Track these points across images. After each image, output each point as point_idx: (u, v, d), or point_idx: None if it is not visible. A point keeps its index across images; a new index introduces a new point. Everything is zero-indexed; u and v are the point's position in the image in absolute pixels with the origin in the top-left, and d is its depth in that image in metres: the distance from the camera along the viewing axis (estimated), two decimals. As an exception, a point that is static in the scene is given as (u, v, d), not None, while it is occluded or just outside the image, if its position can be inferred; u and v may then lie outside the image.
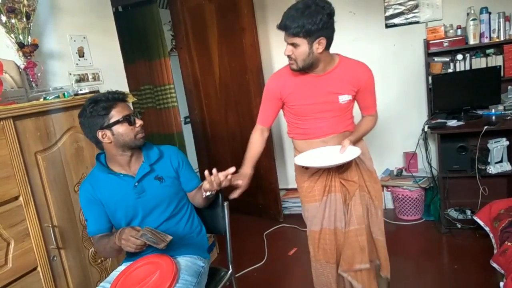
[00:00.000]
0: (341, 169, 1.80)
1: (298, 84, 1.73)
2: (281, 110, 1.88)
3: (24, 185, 1.59)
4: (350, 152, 1.67)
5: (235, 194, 1.67)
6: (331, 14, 1.56)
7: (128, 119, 1.52)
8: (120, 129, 1.50)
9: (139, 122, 1.55)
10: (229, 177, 1.54)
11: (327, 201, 1.82)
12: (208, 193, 1.60)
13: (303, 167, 1.83)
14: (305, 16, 1.51)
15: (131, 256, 1.62)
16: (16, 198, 1.58)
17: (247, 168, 1.80)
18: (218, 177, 1.52)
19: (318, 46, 1.58)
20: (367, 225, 1.83)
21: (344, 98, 1.72)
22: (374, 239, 1.88)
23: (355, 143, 1.77)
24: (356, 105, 1.85)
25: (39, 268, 1.65)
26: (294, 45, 1.59)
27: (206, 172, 1.52)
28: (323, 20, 1.52)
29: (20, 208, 1.58)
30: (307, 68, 1.66)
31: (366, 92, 1.77)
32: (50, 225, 1.71)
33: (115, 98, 1.52)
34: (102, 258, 1.99)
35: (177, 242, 1.60)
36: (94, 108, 1.48)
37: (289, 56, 1.64)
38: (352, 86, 1.72)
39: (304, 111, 1.77)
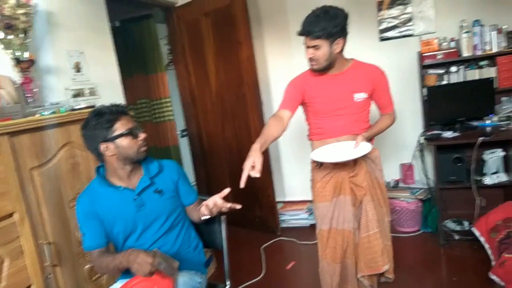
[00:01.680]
0: (352, 173, 1.90)
1: (317, 83, 1.88)
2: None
3: (19, 202, 1.58)
4: (361, 149, 1.77)
5: (243, 180, 1.47)
6: (346, 17, 1.75)
7: (132, 132, 1.52)
8: (123, 142, 1.50)
9: (142, 136, 1.55)
10: (228, 205, 1.58)
11: (336, 202, 1.93)
12: (206, 217, 1.63)
13: (317, 164, 1.96)
14: (326, 20, 1.69)
15: (128, 272, 1.60)
16: (11, 215, 1.56)
17: (257, 144, 1.60)
18: (217, 206, 1.58)
19: (337, 47, 1.76)
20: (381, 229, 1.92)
21: (359, 96, 1.85)
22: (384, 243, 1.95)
23: (369, 139, 1.89)
24: (373, 110, 1.97)
25: (33, 286, 1.62)
26: (316, 47, 1.75)
27: (205, 202, 1.59)
28: (342, 23, 1.72)
29: (14, 225, 1.57)
30: (326, 68, 1.82)
31: (381, 91, 1.91)
32: (45, 242, 1.69)
33: (119, 111, 1.52)
34: (98, 275, 1.96)
35: (175, 257, 1.58)
36: (98, 121, 1.49)
37: (310, 58, 1.80)
38: (367, 85, 1.86)
39: (322, 108, 1.90)
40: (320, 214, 1.99)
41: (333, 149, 1.85)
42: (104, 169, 1.62)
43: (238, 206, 1.59)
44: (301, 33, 1.77)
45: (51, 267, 1.71)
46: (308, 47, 1.78)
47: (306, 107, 1.98)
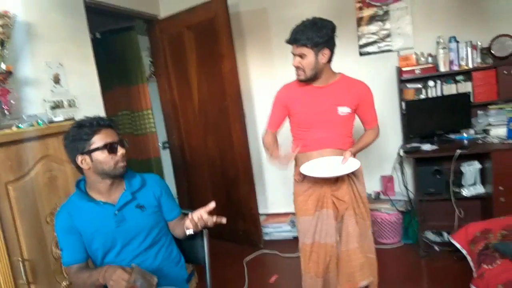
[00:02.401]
0: (334, 187, 1.91)
1: (302, 94, 1.93)
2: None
3: (-8, 217, 1.53)
4: (350, 165, 1.80)
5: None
6: (334, 29, 1.82)
7: (109, 147, 1.48)
8: (99, 156, 1.47)
9: (120, 151, 1.51)
10: (214, 219, 1.54)
11: (319, 216, 1.93)
12: (191, 231, 1.59)
13: (299, 178, 1.99)
14: (313, 30, 1.76)
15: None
16: (-16, 231, 1.51)
17: (276, 151, 1.92)
18: (203, 220, 1.53)
19: (323, 57, 1.81)
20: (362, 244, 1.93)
21: (343, 110, 1.88)
22: (368, 257, 1.96)
23: (355, 155, 1.92)
24: (357, 127, 2.01)
25: (6, 305, 1.56)
26: (302, 56, 1.81)
27: (190, 216, 1.55)
28: (328, 34, 1.78)
29: (-13, 242, 1.51)
30: (312, 79, 1.87)
31: (366, 106, 1.95)
32: (20, 259, 1.63)
33: (100, 124, 1.49)
34: (75, 292, 1.90)
35: (156, 273, 1.54)
36: (77, 132, 1.46)
37: (297, 67, 1.85)
38: (352, 100, 1.89)
39: (305, 120, 1.94)
40: (302, 228, 1.99)
41: (321, 163, 1.87)
42: (84, 183, 1.58)
43: (224, 220, 1.54)
44: (288, 41, 1.84)
45: (26, 285, 1.65)
46: (294, 55, 1.84)
47: (290, 118, 2.01)
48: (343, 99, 1.88)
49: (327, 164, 1.85)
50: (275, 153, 1.89)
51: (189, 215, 1.56)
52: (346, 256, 1.90)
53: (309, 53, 1.79)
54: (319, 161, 1.89)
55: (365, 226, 1.96)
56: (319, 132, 1.91)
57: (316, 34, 1.75)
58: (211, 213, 1.56)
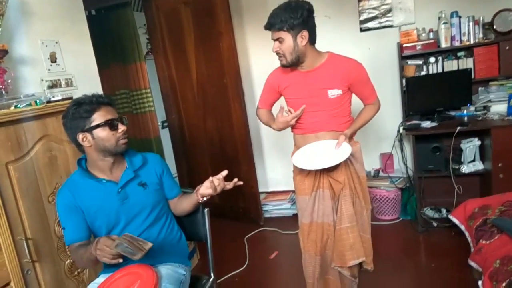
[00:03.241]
0: (330, 168, 1.86)
1: (292, 79, 1.88)
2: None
3: (-5, 198, 1.53)
4: (341, 153, 1.76)
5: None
6: (310, 10, 1.74)
7: (110, 124, 1.48)
8: (101, 133, 1.47)
9: (121, 128, 1.51)
10: (235, 180, 1.62)
11: (316, 196, 1.93)
12: (205, 198, 1.62)
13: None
14: (287, 12, 1.69)
15: (110, 266, 1.57)
16: (-14, 211, 1.51)
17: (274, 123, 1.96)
18: (223, 182, 1.57)
19: (302, 40, 1.73)
20: (356, 224, 1.92)
21: (333, 93, 1.82)
22: (360, 235, 1.95)
23: (352, 135, 1.92)
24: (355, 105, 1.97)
25: (12, 283, 1.58)
26: (280, 40, 1.75)
27: (210, 179, 1.57)
28: (304, 14, 1.70)
29: (-9, 222, 1.52)
30: (295, 63, 1.79)
31: (359, 84, 1.88)
32: (24, 238, 1.64)
33: (99, 101, 1.48)
34: (79, 270, 1.93)
35: (157, 250, 1.57)
36: (76, 110, 1.45)
37: (277, 53, 1.79)
38: (342, 81, 1.82)
39: (298, 105, 1.87)
40: (300, 208, 2.01)
41: (314, 150, 1.85)
42: (85, 161, 1.58)
43: (240, 182, 1.62)
44: (265, 27, 1.79)
45: (30, 263, 1.67)
46: (274, 40, 1.78)
47: (286, 101, 1.98)
48: (332, 81, 1.81)
49: (320, 150, 1.83)
50: (280, 117, 1.88)
51: (206, 182, 1.58)
52: (339, 235, 1.90)
53: (287, 37, 1.72)
54: (313, 146, 1.86)
55: (360, 206, 1.95)
56: (312, 115, 1.87)
57: (290, 16, 1.68)
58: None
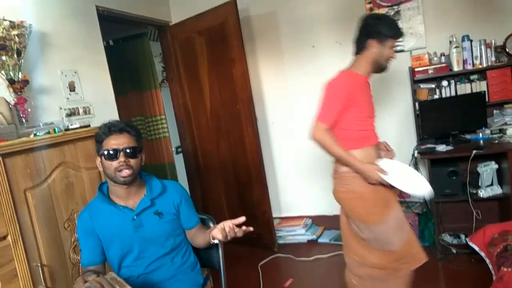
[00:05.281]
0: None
1: (364, 85, 1.94)
2: None
3: (12, 224, 1.56)
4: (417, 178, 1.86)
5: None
6: None
7: (107, 153, 1.48)
8: (103, 161, 1.51)
9: (119, 159, 1.47)
10: (243, 228, 1.47)
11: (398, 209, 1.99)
12: (216, 241, 1.55)
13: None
14: None
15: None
16: (4, 237, 1.54)
17: (360, 163, 1.82)
18: (234, 231, 1.46)
19: None
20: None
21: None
22: None
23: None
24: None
25: (26, 310, 1.59)
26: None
27: (221, 226, 1.47)
28: None
29: (8, 248, 1.54)
30: None
31: None
32: (39, 265, 1.66)
33: (111, 129, 1.51)
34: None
35: (172, 278, 1.57)
36: (97, 134, 1.53)
37: (392, 58, 1.96)
38: None
39: (367, 108, 1.91)
40: (395, 225, 1.90)
41: (395, 169, 1.82)
42: (107, 187, 1.60)
43: (251, 228, 1.48)
44: (400, 35, 1.95)
45: (44, 290, 1.67)
46: (392, 47, 1.92)
47: (350, 110, 1.84)
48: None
49: (400, 171, 1.84)
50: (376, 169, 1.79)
51: (219, 226, 1.49)
52: None
53: None
54: (394, 167, 1.83)
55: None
56: (372, 121, 1.96)
57: None
58: (222, 216, 1.56)
